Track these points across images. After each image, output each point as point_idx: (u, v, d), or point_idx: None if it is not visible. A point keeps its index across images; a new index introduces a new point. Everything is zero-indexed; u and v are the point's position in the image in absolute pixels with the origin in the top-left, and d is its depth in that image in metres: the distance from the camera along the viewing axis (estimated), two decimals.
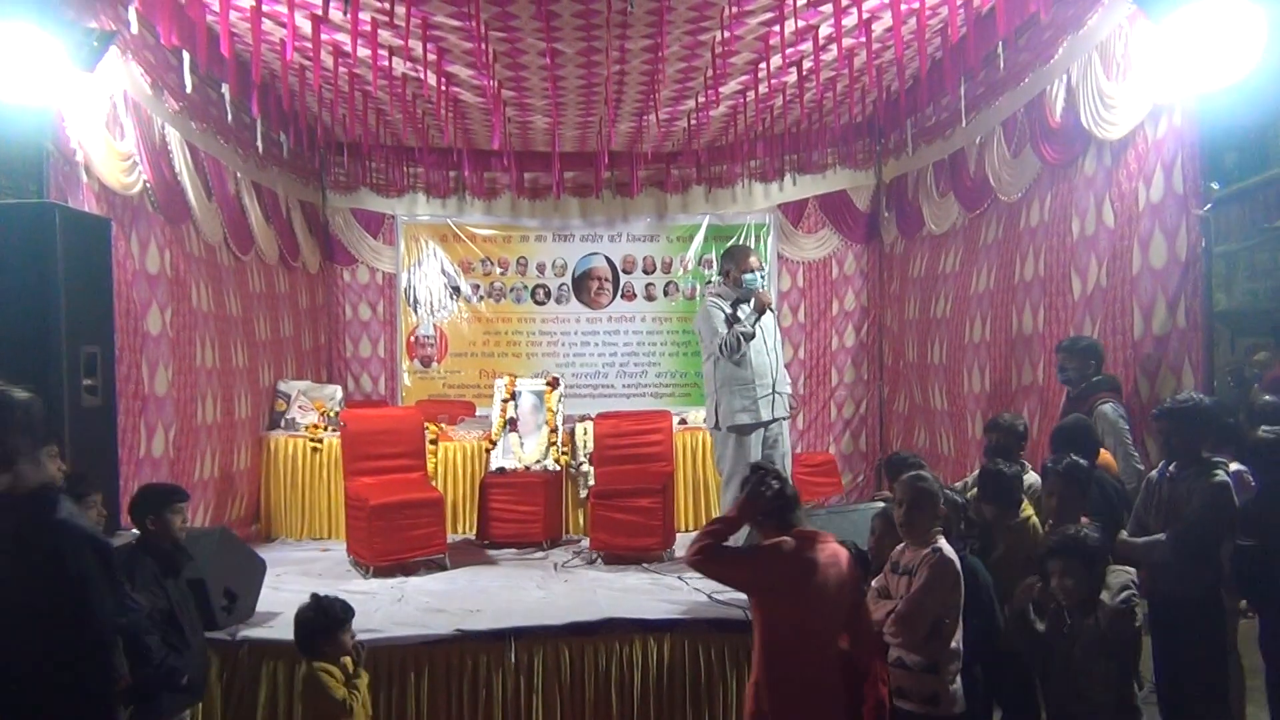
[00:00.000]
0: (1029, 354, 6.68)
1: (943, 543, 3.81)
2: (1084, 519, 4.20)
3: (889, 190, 9.59)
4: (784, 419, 6.63)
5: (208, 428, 7.07)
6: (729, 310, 6.55)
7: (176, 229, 6.66)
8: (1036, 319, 6.58)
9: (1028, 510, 4.44)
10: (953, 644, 3.72)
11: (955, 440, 7.86)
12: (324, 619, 4.35)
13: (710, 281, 10.27)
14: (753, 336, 6.46)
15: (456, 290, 10.41)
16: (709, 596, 5.91)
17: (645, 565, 6.97)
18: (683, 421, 8.63)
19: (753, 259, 6.72)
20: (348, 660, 4.36)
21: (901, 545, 3.96)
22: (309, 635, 4.34)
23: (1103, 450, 4.94)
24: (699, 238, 10.36)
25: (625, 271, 10.46)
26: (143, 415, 6.05)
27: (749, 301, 6.54)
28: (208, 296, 7.19)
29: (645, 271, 10.45)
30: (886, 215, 9.66)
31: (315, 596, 4.48)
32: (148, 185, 6.05)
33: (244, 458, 7.92)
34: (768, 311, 6.55)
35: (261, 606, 5.72)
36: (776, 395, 6.53)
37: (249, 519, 8.09)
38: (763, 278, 6.88)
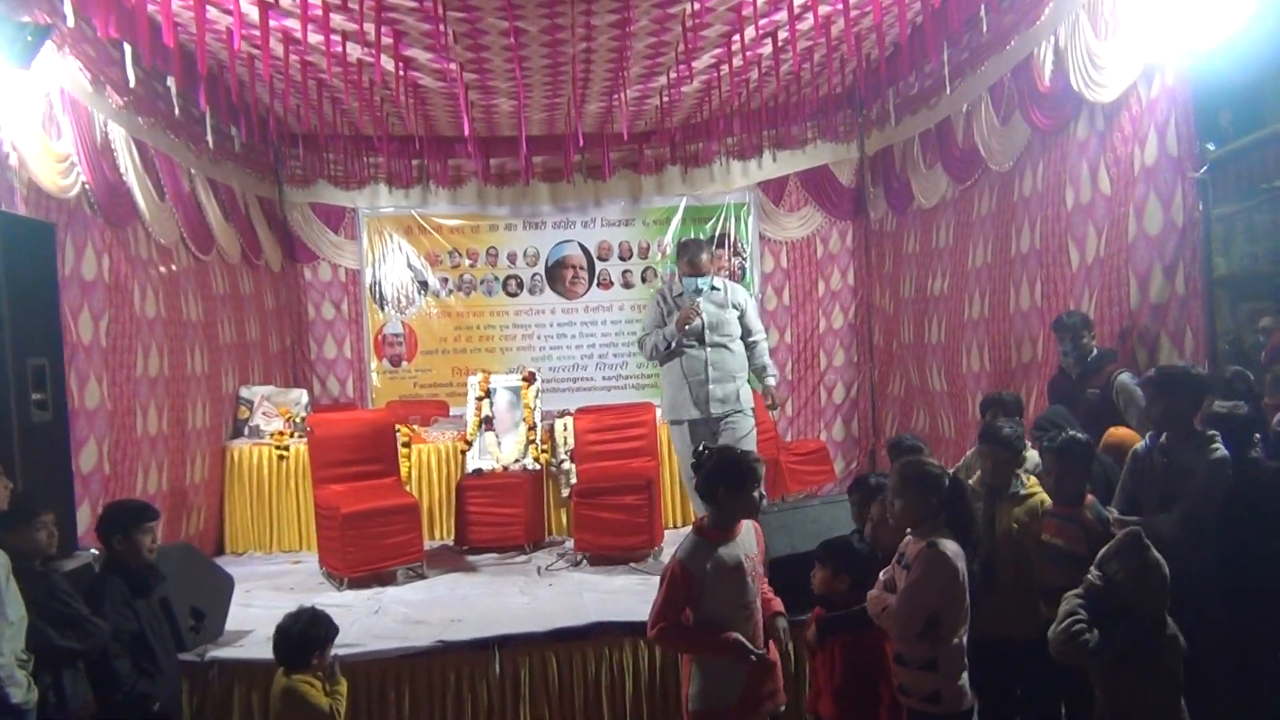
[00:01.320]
0: (1028, 330, 6.70)
1: (942, 539, 3.80)
2: (1089, 498, 4.22)
3: (874, 164, 9.61)
4: (720, 417, 6.80)
5: (150, 439, 6.89)
6: (670, 307, 6.86)
7: (119, 232, 6.54)
8: (1034, 293, 6.60)
9: (1034, 486, 4.42)
10: (954, 640, 3.71)
11: (955, 421, 7.89)
12: (319, 631, 4.31)
13: None
14: (666, 350, 6.80)
15: (424, 284, 10.38)
16: None
17: (633, 565, 6.97)
18: None
19: (703, 258, 6.90)
20: (322, 674, 4.35)
21: (907, 538, 3.93)
22: (301, 647, 4.28)
23: (1119, 429, 4.95)
24: (676, 220, 10.35)
25: (601, 259, 10.44)
26: (71, 430, 5.85)
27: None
28: (156, 301, 7.08)
29: (621, 258, 10.43)
30: (873, 190, 9.67)
31: (310, 608, 4.44)
32: (86, 187, 5.96)
33: (200, 469, 7.78)
34: (700, 317, 6.72)
35: (230, 625, 5.70)
36: (714, 400, 6.76)
37: (210, 534, 7.99)
38: (716, 283, 6.99)
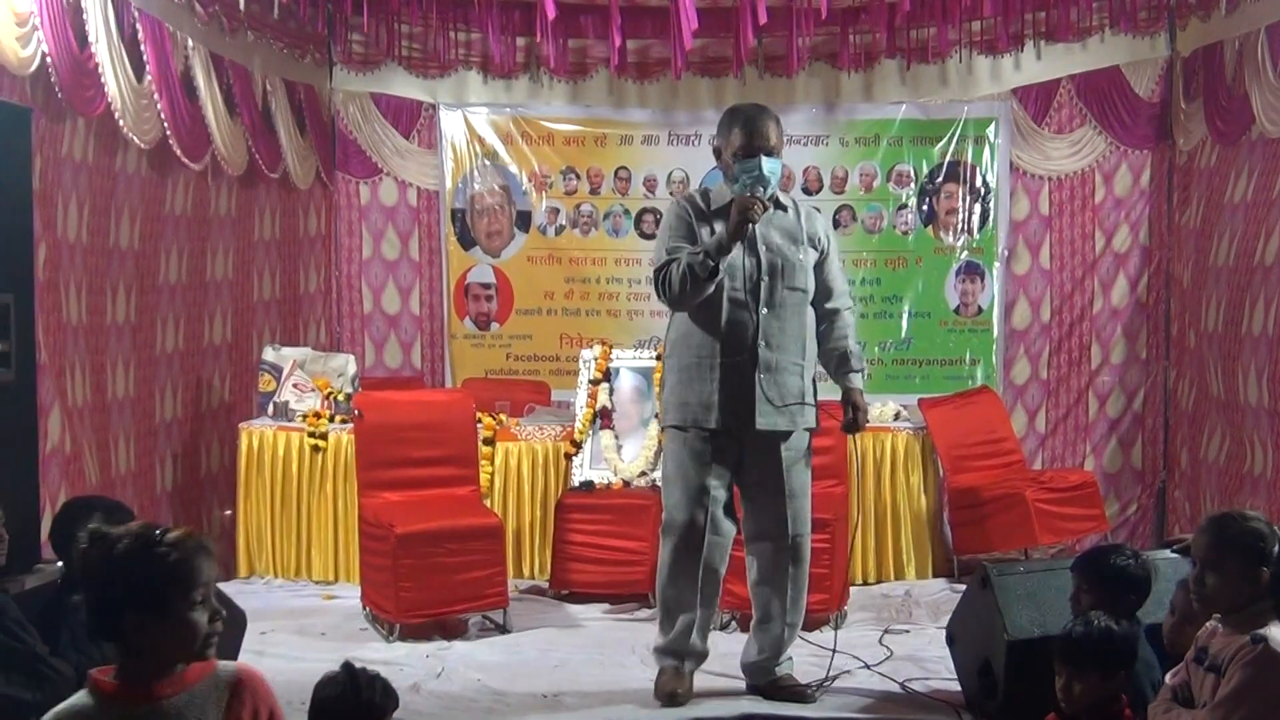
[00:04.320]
0: None
1: (1273, 628, 3.71)
2: None
3: (1190, 68, 9.34)
4: (770, 441, 5.80)
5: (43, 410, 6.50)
6: (700, 223, 5.81)
7: (54, 127, 6.53)
8: None
9: None
10: None
11: (1277, 456, 7.60)
12: (374, 697, 4.32)
13: (905, 205, 10.14)
14: (713, 273, 5.55)
15: (526, 216, 10.45)
16: (901, 686, 5.91)
17: (802, 633, 6.88)
18: None
19: (769, 130, 5.71)
20: None
21: (1212, 625, 3.87)
22: None
23: None
24: (890, 138, 10.26)
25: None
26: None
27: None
28: (79, 223, 6.89)
29: (807, 190, 10.33)
30: (1187, 107, 9.40)
31: (354, 668, 4.44)
32: (47, 60, 5.98)
33: (126, 457, 7.53)
34: (756, 227, 5.63)
35: None
36: (764, 402, 5.69)
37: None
38: (784, 199, 5.95)
